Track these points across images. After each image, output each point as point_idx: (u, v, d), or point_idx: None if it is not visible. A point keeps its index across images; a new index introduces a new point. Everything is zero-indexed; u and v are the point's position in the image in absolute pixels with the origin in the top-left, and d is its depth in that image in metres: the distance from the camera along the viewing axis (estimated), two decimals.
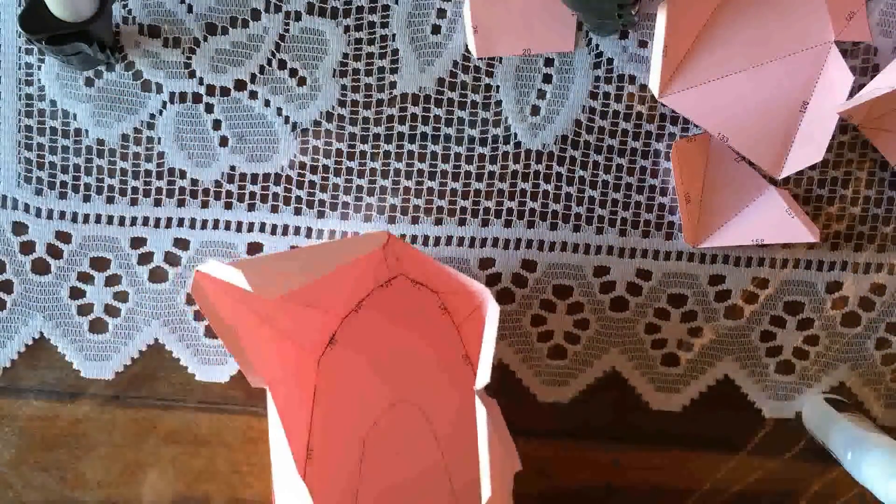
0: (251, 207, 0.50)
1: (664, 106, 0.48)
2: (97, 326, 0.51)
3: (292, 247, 0.50)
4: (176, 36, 0.49)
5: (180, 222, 0.50)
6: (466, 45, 0.48)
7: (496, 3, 0.47)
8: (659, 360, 0.50)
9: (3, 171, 0.50)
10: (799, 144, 0.46)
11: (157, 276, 0.50)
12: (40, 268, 0.51)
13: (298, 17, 0.49)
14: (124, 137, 0.50)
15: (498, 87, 0.49)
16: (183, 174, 0.50)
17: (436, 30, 0.49)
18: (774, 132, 0.46)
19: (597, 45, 0.48)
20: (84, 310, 0.51)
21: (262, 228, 0.50)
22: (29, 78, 0.49)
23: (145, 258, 0.50)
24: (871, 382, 0.50)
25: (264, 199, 0.50)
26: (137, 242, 0.50)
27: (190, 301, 0.50)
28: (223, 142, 0.50)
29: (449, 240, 0.50)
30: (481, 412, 0.36)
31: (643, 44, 0.48)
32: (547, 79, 0.49)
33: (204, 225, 0.50)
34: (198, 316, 0.51)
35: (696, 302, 0.50)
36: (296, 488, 0.39)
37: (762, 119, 0.46)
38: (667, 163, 0.49)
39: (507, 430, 0.44)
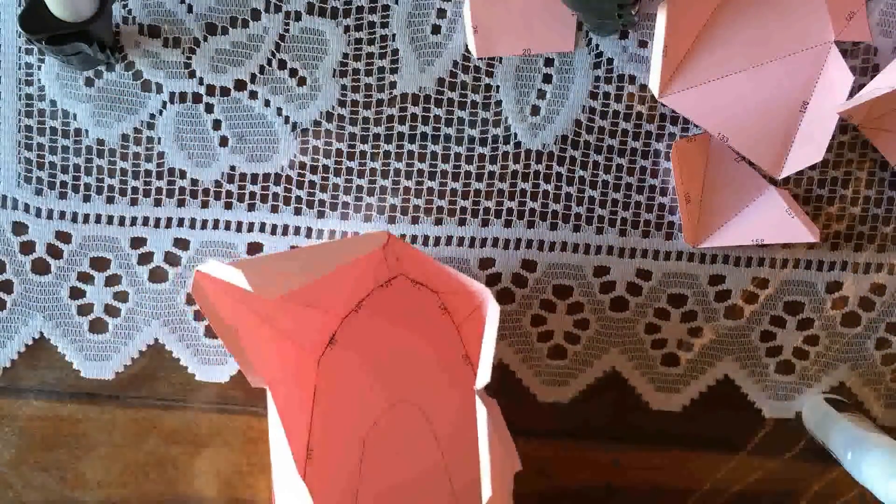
0: (251, 207, 0.50)
1: (664, 106, 0.48)
2: (97, 326, 0.51)
3: (292, 247, 0.50)
4: (176, 36, 0.49)
5: (180, 222, 0.50)
6: (466, 45, 0.48)
7: (496, 3, 0.47)
8: (659, 360, 0.50)
9: (3, 171, 0.50)
10: (799, 144, 0.46)
11: (157, 276, 0.50)
12: (40, 268, 0.51)
13: (298, 17, 0.49)
14: (124, 137, 0.50)
15: (498, 87, 0.49)
16: (183, 174, 0.50)
17: (436, 30, 0.49)
18: (774, 132, 0.46)
19: (597, 45, 0.48)
20: (84, 310, 0.51)
21: (262, 228, 0.50)
22: (29, 78, 0.49)
23: (145, 258, 0.50)
24: (871, 382, 0.50)
25: (264, 199, 0.50)
26: (137, 242, 0.50)
27: (190, 301, 0.50)
28: (223, 142, 0.50)
29: (449, 240, 0.50)
30: (481, 412, 0.36)
31: (643, 44, 0.48)
32: (547, 79, 0.49)
33: (204, 225, 0.50)
34: (198, 316, 0.51)
35: (696, 302, 0.50)
36: (296, 488, 0.39)
37: (762, 119, 0.46)
38: (667, 163, 0.49)
39: (507, 430, 0.44)
